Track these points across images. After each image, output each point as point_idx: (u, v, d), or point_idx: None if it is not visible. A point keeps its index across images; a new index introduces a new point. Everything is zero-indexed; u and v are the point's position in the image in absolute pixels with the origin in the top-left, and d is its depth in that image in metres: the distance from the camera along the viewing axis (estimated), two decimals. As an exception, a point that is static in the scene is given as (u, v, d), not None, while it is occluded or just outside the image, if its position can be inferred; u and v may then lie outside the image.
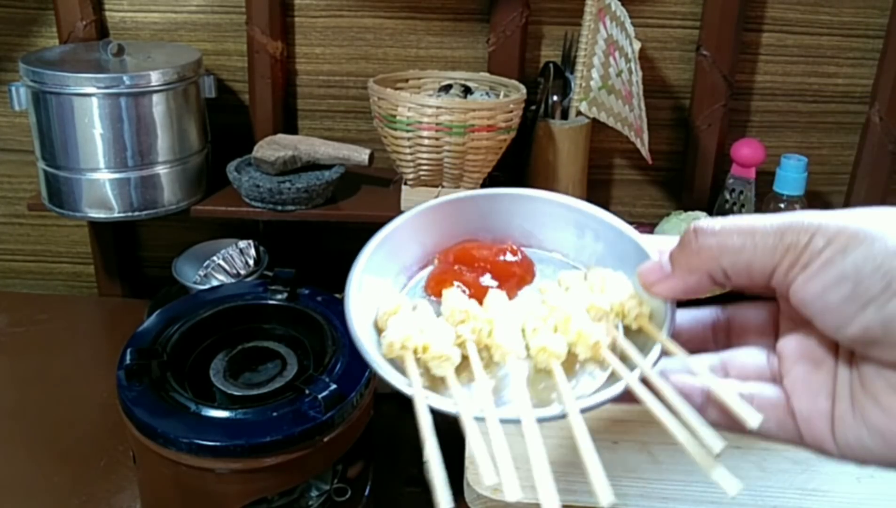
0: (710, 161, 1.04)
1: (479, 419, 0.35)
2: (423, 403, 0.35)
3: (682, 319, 0.40)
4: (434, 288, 0.44)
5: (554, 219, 0.46)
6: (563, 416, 0.35)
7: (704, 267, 0.35)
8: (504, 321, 0.40)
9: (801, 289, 0.32)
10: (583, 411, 0.35)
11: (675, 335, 0.39)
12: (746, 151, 0.97)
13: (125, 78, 0.85)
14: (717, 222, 0.35)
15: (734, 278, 0.35)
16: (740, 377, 0.37)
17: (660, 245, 0.40)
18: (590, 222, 0.45)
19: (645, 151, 0.92)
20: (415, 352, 0.39)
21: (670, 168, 1.09)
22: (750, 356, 0.37)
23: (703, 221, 0.35)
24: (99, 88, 0.84)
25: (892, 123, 1.02)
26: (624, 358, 0.38)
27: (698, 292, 0.37)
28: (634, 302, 0.39)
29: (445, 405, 0.36)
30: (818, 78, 1.04)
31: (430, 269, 0.46)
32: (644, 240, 0.41)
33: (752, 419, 0.32)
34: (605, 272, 0.42)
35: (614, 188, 1.10)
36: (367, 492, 0.72)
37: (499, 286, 0.44)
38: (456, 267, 0.45)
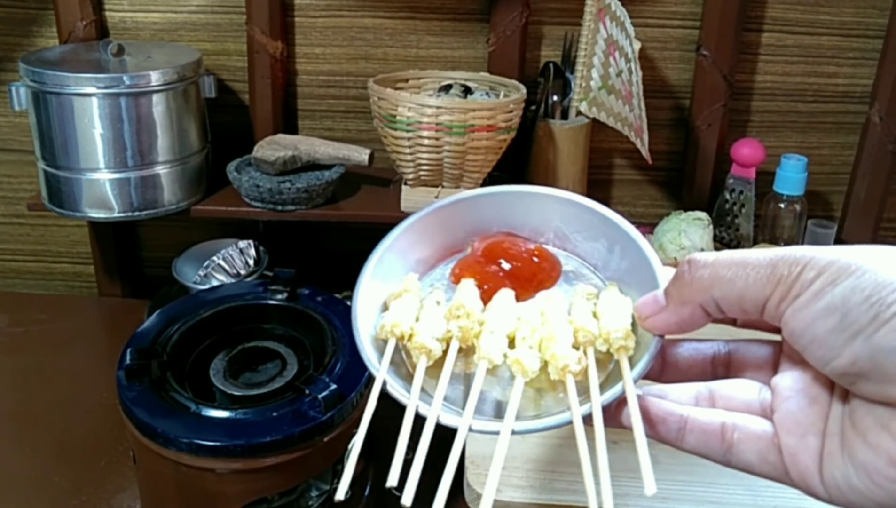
0: (710, 161, 1.04)
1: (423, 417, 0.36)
2: (379, 385, 0.37)
3: (683, 349, 0.40)
4: (457, 275, 0.45)
5: (590, 228, 0.46)
6: (496, 433, 0.35)
7: (697, 298, 0.35)
8: (495, 324, 0.41)
9: (791, 320, 0.32)
10: (514, 433, 0.36)
11: (672, 365, 0.40)
12: (746, 151, 0.97)
13: (125, 78, 0.85)
14: (711, 255, 0.35)
15: (727, 310, 0.35)
16: (727, 408, 0.37)
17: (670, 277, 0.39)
18: (620, 238, 0.45)
19: (645, 151, 0.92)
20: (401, 338, 0.40)
21: (670, 168, 1.09)
22: (739, 389, 0.37)
23: (698, 253, 0.36)
24: (99, 88, 0.84)
25: (892, 123, 1.02)
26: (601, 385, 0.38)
27: (692, 325, 0.37)
28: (621, 334, 0.39)
29: (399, 394, 0.38)
30: (818, 78, 1.04)
31: (462, 255, 0.47)
32: (660, 270, 0.41)
33: (649, 487, 0.32)
34: (615, 296, 0.42)
35: (614, 188, 1.10)
36: (367, 492, 0.72)
37: (518, 287, 0.44)
38: (482, 260, 0.46)
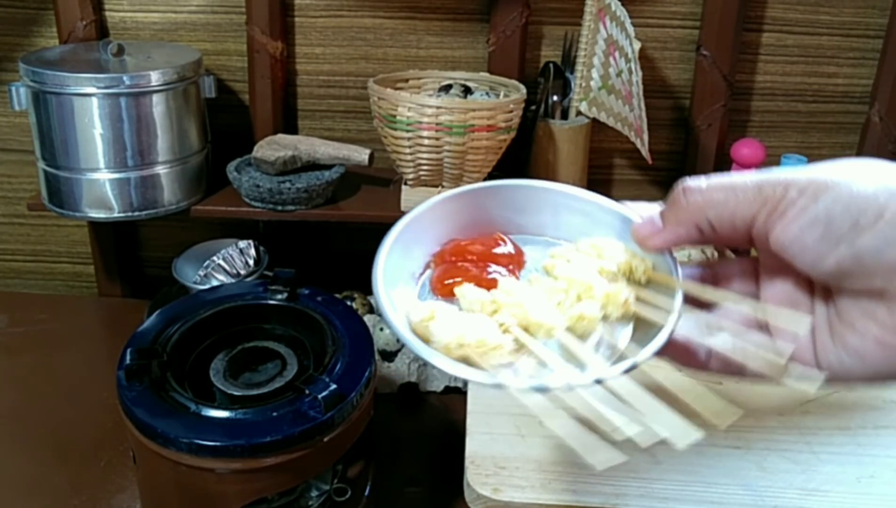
0: (710, 161, 1.05)
1: (570, 388, 0.37)
2: (523, 388, 0.37)
3: None
4: (442, 289, 0.45)
5: (528, 203, 0.48)
6: (635, 366, 0.37)
7: (692, 219, 0.40)
8: (533, 301, 0.42)
9: (780, 235, 0.36)
10: (654, 355, 0.38)
11: None
12: (746, 151, 0.97)
13: (125, 78, 0.85)
14: (703, 181, 0.39)
15: (719, 229, 0.39)
16: (732, 328, 0.42)
17: (639, 209, 0.44)
18: (561, 200, 0.47)
19: (645, 152, 0.92)
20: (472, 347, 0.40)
21: (670, 168, 1.09)
22: (740, 312, 0.42)
23: (690, 180, 0.40)
24: (99, 88, 0.84)
25: (892, 123, 1.02)
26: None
27: (688, 242, 0.41)
28: (638, 260, 0.42)
29: (541, 383, 0.37)
30: (818, 78, 1.04)
31: (429, 273, 0.46)
32: (622, 207, 0.44)
33: (802, 325, 0.37)
34: (595, 240, 0.44)
35: (614, 188, 1.10)
36: (367, 492, 0.72)
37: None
38: (460, 263, 0.45)
